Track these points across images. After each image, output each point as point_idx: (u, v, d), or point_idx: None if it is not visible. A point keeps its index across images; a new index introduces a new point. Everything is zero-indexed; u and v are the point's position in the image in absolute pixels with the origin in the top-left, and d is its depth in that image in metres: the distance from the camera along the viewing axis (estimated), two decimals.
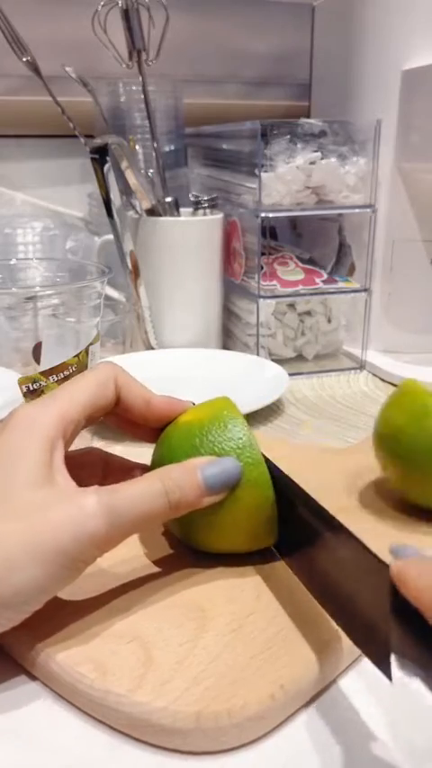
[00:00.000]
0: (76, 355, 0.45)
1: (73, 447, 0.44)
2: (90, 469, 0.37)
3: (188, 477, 0.32)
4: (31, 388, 0.43)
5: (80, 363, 0.45)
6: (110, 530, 0.29)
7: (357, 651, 0.30)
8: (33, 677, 0.30)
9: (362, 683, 0.30)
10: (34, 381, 0.43)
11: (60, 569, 0.28)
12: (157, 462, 0.35)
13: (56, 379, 0.44)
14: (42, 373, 0.43)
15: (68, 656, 0.29)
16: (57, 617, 0.31)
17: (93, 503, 0.29)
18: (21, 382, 0.43)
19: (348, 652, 0.30)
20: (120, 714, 0.27)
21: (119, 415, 0.36)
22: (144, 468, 0.38)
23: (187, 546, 0.36)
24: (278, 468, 0.35)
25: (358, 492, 0.43)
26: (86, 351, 0.46)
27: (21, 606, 0.28)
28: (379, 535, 0.38)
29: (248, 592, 0.33)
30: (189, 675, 0.28)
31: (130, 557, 0.36)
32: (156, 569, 0.35)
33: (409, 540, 0.35)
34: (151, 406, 0.36)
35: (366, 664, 0.28)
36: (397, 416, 0.40)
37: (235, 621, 0.31)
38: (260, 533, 0.35)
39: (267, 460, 0.34)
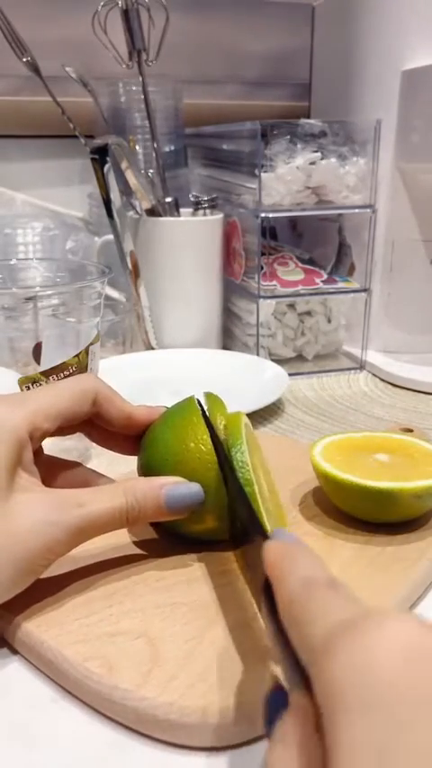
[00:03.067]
0: (76, 355, 0.45)
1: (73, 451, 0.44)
2: (66, 482, 0.38)
3: (151, 496, 0.33)
4: (32, 389, 0.43)
5: (80, 363, 0.45)
6: (69, 542, 0.31)
7: None
8: (39, 672, 0.30)
9: None
10: (34, 381, 0.43)
11: (20, 575, 0.30)
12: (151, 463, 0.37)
13: (56, 379, 0.44)
14: (43, 373, 0.43)
15: (76, 651, 0.29)
16: (65, 614, 0.31)
17: (57, 518, 0.31)
18: (21, 382, 0.43)
19: None
20: (126, 709, 0.27)
21: (99, 428, 0.38)
22: None
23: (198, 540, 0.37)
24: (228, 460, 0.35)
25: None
26: (86, 351, 0.46)
27: None
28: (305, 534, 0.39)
29: (252, 590, 0.33)
30: (195, 671, 0.28)
31: (136, 557, 0.36)
32: (162, 568, 0.35)
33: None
34: (132, 419, 0.37)
35: None
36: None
37: (241, 618, 0.31)
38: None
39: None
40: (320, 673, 0.18)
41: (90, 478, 0.38)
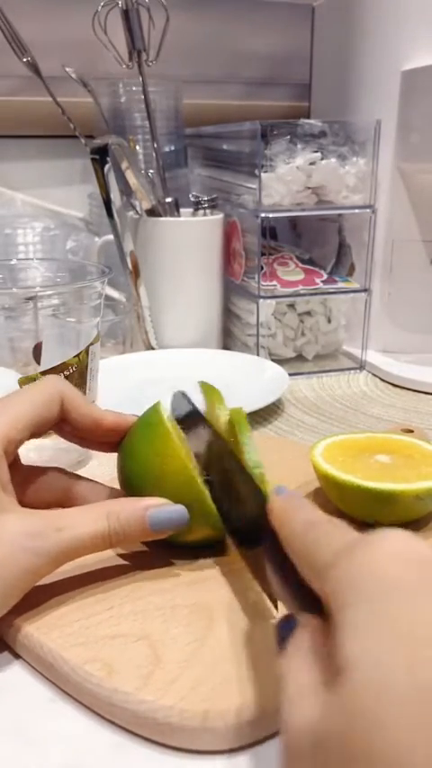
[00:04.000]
0: (77, 355, 0.45)
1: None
2: (47, 491, 0.37)
3: (135, 519, 0.33)
4: None
5: (80, 363, 0.45)
6: (50, 566, 0.31)
7: None
8: (38, 674, 0.30)
9: None
10: (34, 381, 0.43)
11: (5, 600, 0.30)
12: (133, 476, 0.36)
13: None
14: (43, 373, 0.43)
15: (76, 654, 0.29)
16: (64, 617, 0.31)
17: (36, 545, 0.30)
18: (21, 382, 0.43)
19: None
20: (127, 712, 0.27)
21: (67, 431, 0.37)
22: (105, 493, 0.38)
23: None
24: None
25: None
26: (87, 351, 0.46)
27: None
28: None
29: (253, 592, 0.33)
30: (196, 674, 0.28)
31: (137, 558, 0.36)
32: (162, 570, 0.35)
33: None
34: (100, 425, 0.36)
35: None
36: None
37: (242, 621, 0.31)
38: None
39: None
40: (330, 580, 0.21)
41: (69, 485, 0.37)
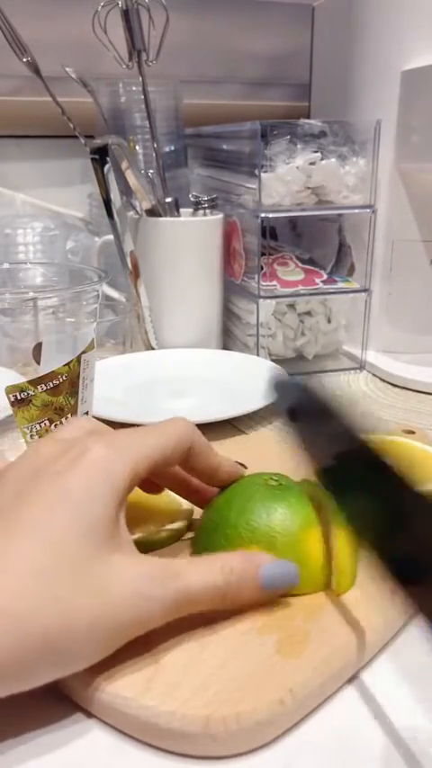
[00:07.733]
0: (67, 364, 0.43)
1: None
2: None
3: (248, 577, 0.31)
4: (19, 397, 0.42)
5: (71, 372, 0.44)
6: (162, 617, 0.29)
7: (371, 653, 0.31)
8: None
9: (376, 683, 0.30)
10: (22, 390, 0.42)
11: (102, 646, 0.28)
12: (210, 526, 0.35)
13: (44, 388, 0.42)
14: (30, 382, 0.42)
15: None
16: None
17: (153, 592, 0.28)
18: (8, 391, 0.42)
19: (362, 654, 0.30)
20: (128, 718, 0.27)
21: (176, 476, 0.37)
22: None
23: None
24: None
25: None
26: (78, 359, 0.44)
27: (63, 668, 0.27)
28: None
29: None
30: (198, 680, 0.28)
31: None
32: None
33: None
34: (216, 476, 0.36)
35: (384, 662, 0.29)
36: None
37: (244, 626, 0.31)
38: None
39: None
40: None
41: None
